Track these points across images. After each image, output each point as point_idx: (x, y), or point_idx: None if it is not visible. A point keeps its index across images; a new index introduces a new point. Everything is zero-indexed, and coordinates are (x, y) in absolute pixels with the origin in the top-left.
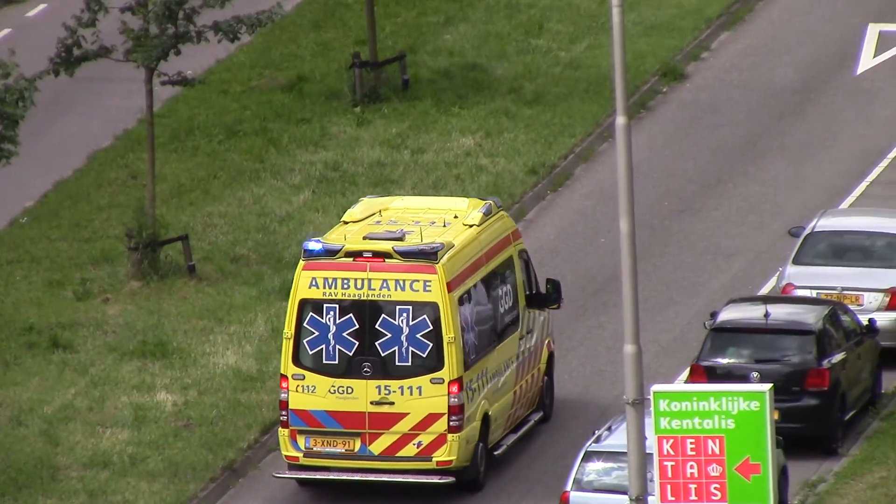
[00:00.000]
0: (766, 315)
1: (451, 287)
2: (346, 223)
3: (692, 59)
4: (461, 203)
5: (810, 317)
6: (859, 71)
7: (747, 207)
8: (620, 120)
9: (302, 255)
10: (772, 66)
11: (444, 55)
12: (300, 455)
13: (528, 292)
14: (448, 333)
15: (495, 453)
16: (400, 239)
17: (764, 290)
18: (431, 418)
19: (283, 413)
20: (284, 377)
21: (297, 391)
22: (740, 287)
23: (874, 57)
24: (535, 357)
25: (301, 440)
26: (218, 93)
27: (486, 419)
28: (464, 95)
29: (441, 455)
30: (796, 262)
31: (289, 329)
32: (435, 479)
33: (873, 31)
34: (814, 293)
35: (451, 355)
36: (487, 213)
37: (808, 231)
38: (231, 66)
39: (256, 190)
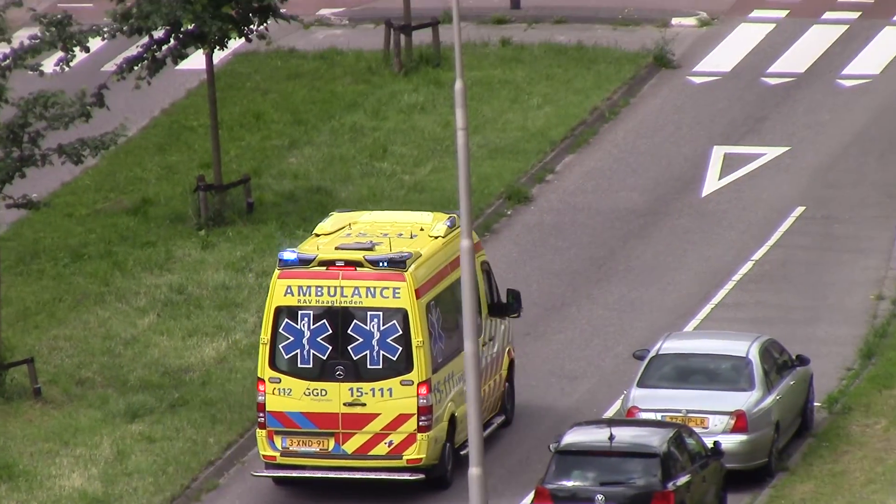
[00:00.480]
0: (611, 438)
1: (419, 294)
2: (317, 235)
3: (537, 182)
4: (426, 217)
5: (655, 439)
6: (704, 193)
7: (591, 330)
8: (465, 243)
9: (277, 265)
10: (617, 189)
11: (288, 178)
12: (277, 454)
13: (489, 301)
14: (417, 338)
15: (461, 453)
16: (370, 249)
17: (609, 413)
18: (402, 418)
19: (261, 415)
20: (261, 380)
21: (273, 394)
22: (585, 410)
23: (719, 179)
24: (498, 363)
25: (278, 440)
26: (63, 216)
27: (452, 420)
28: (308, 218)
29: (411, 453)
30: (641, 384)
31: (265, 335)
32: (406, 476)
33: (718, 153)
34: (659, 416)
35: (420, 358)
36: (451, 226)
37: (652, 354)
38: (76, 189)
39: (101, 313)
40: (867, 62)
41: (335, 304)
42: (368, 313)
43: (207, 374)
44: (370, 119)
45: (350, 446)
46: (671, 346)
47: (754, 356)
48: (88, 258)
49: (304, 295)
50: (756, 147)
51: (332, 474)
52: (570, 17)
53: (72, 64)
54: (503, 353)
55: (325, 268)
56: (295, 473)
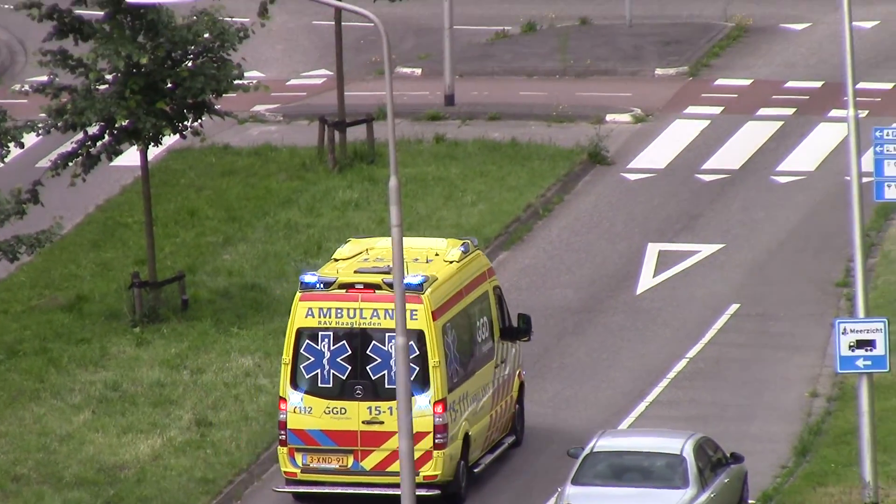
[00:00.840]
0: None
1: (435, 316)
2: (336, 260)
3: None
4: (440, 242)
5: None
6: (639, 290)
7: (526, 428)
8: (400, 340)
9: (299, 288)
10: (551, 286)
11: (223, 275)
12: (298, 471)
13: (501, 325)
14: (433, 358)
15: (475, 471)
16: (388, 273)
17: None
18: (418, 436)
19: (282, 432)
20: (283, 399)
21: (294, 412)
22: None
23: (654, 276)
24: (509, 385)
25: (298, 457)
26: None
27: (466, 439)
28: (243, 315)
29: (427, 470)
30: (575, 482)
31: (287, 356)
32: (422, 492)
33: (653, 250)
34: None
35: (436, 378)
36: (465, 251)
37: (586, 451)
38: (11, 286)
39: (37, 409)
40: (802, 159)
41: (355, 326)
42: (386, 334)
43: (142, 471)
44: (304, 216)
45: (368, 463)
46: (605, 443)
47: (689, 454)
48: (23, 355)
49: (325, 316)
50: (691, 244)
51: (350, 490)
52: (505, 113)
53: (6, 160)
54: (514, 376)
55: (344, 290)
56: (315, 489)
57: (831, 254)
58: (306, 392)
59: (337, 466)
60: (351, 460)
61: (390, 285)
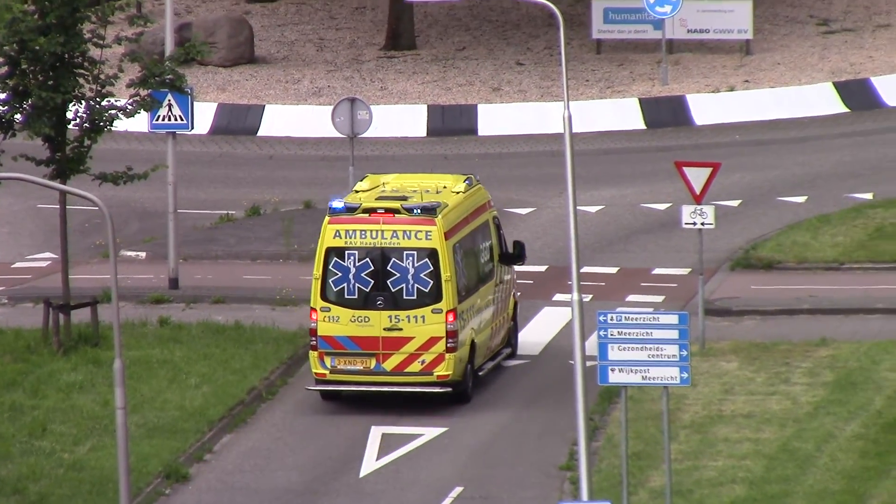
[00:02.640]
0: None
1: (447, 236)
2: (357, 192)
3: (195, 461)
4: (447, 177)
5: None
6: (363, 473)
7: None
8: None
9: (328, 213)
10: (275, 469)
11: None
12: (327, 372)
13: (500, 250)
14: (445, 273)
15: (479, 373)
16: (405, 199)
17: None
18: (433, 341)
19: (313, 339)
20: (314, 309)
21: (324, 321)
22: None
23: (377, 459)
24: (505, 304)
25: (328, 360)
26: None
27: (473, 345)
28: None
29: (441, 370)
30: None
31: (317, 271)
32: (436, 389)
33: (376, 433)
34: None
35: (448, 291)
36: (469, 185)
37: None
38: None
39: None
40: (527, 342)
41: (376, 245)
42: (404, 252)
43: None
44: (29, 397)
45: (389, 364)
46: None
47: None
48: None
49: (350, 238)
50: (414, 427)
51: (374, 388)
52: (229, 297)
53: None
54: (510, 296)
55: (368, 214)
56: (342, 388)
57: (555, 437)
58: (334, 303)
59: (361, 367)
60: (374, 362)
61: (408, 210)
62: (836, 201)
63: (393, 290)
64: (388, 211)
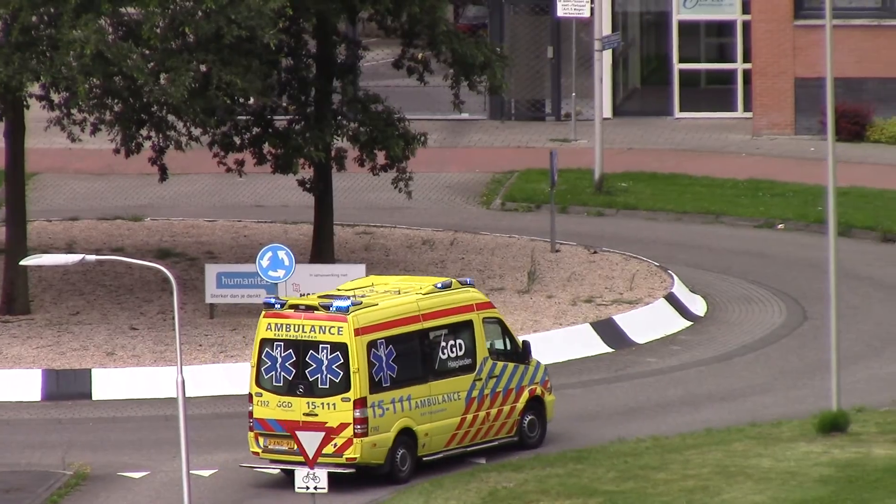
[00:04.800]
0: None
1: (361, 332)
2: (339, 290)
3: None
4: (436, 279)
5: None
6: None
7: None
8: None
9: (264, 307)
10: None
11: None
12: (260, 450)
13: (502, 347)
14: (354, 365)
15: (423, 459)
16: (330, 297)
17: None
18: (342, 426)
19: (251, 420)
20: (251, 395)
21: (258, 405)
22: None
23: None
24: (506, 397)
25: (261, 440)
26: None
27: (409, 433)
28: None
29: (349, 453)
30: None
31: (253, 360)
32: (342, 470)
33: None
34: None
35: (356, 381)
36: (443, 287)
37: None
38: None
39: None
40: None
41: (298, 338)
42: (320, 345)
43: None
44: None
45: None
46: None
47: None
48: None
49: (279, 330)
50: None
51: (297, 467)
52: None
53: None
54: (520, 390)
55: (293, 310)
56: (272, 467)
57: None
58: (266, 389)
59: (286, 448)
60: (295, 444)
61: (325, 307)
62: None
63: (310, 379)
64: (309, 308)
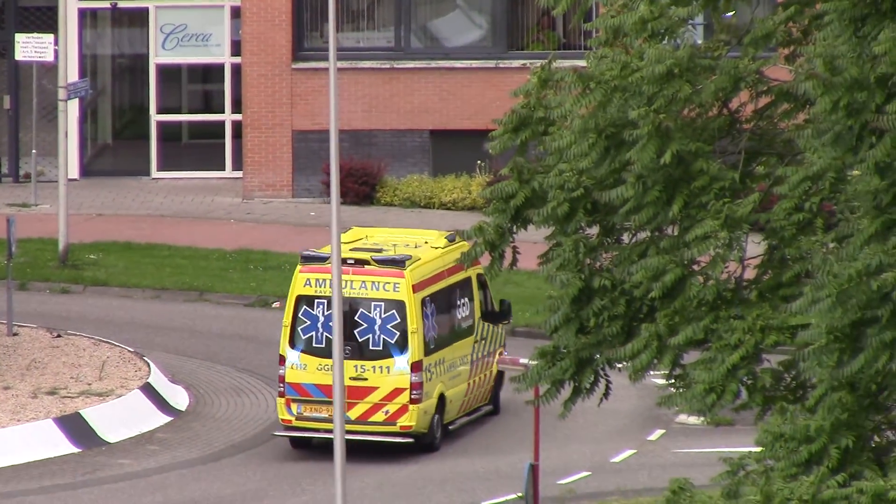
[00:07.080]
0: None
1: (416, 289)
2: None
3: None
4: (432, 233)
5: None
6: None
7: None
8: None
9: (300, 261)
10: None
11: None
12: (293, 418)
13: (484, 308)
14: (412, 325)
15: (450, 427)
16: (378, 251)
17: None
18: (396, 392)
19: (281, 385)
20: (282, 357)
21: (291, 368)
22: None
23: None
24: (488, 361)
25: (294, 407)
26: None
27: (442, 398)
28: None
29: (404, 421)
30: None
31: (287, 319)
32: (398, 440)
33: None
34: None
35: (414, 343)
36: (451, 241)
37: None
38: None
39: None
40: None
41: (345, 295)
42: (372, 303)
43: None
44: None
45: (354, 413)
46: None
47: None
48: None
49: (320, 286)
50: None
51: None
52: None
53: None
54: (495, 354)
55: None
56: (307, 434)
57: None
58: (302, 351)
59: (326, 415)
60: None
61: (378, 262)
62: None
63: (360, 340)
64: (359, 262)
